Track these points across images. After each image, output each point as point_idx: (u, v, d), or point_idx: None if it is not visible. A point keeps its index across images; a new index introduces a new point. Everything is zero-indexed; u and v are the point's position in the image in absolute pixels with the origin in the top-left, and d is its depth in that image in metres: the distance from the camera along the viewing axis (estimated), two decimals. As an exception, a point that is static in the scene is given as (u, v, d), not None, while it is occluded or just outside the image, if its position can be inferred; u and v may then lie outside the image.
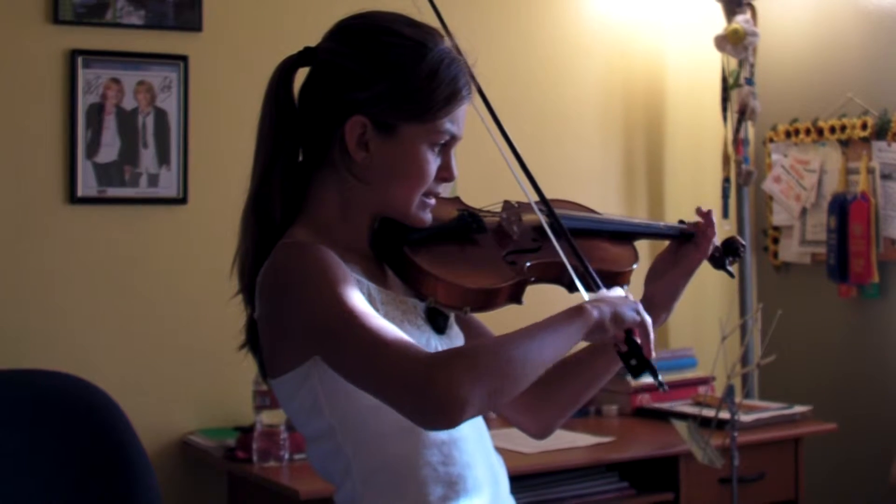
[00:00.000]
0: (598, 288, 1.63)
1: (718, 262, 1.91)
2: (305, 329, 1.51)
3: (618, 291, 1.62)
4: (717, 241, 1.89)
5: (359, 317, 1.46)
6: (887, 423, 3.67)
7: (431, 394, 1.38)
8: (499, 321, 1.81)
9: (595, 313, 1.52)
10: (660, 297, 1.81)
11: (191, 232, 3.19)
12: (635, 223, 1.91)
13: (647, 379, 1.63)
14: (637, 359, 1.56)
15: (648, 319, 1.58)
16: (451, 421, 1.41)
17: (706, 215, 1.84)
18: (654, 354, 1.57)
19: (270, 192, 1.61)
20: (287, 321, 1.53)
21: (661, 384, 1.56)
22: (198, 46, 3.21)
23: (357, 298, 1.48)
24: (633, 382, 3.53)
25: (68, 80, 3.05)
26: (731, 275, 1.95)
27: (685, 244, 1.84)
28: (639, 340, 1.57)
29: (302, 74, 1.65)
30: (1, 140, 3.00)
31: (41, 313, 3.03)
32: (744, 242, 1.94)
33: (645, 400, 3.58)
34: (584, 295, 1.62)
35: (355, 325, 1.45)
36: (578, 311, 1.52)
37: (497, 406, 1.54)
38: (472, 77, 1.63)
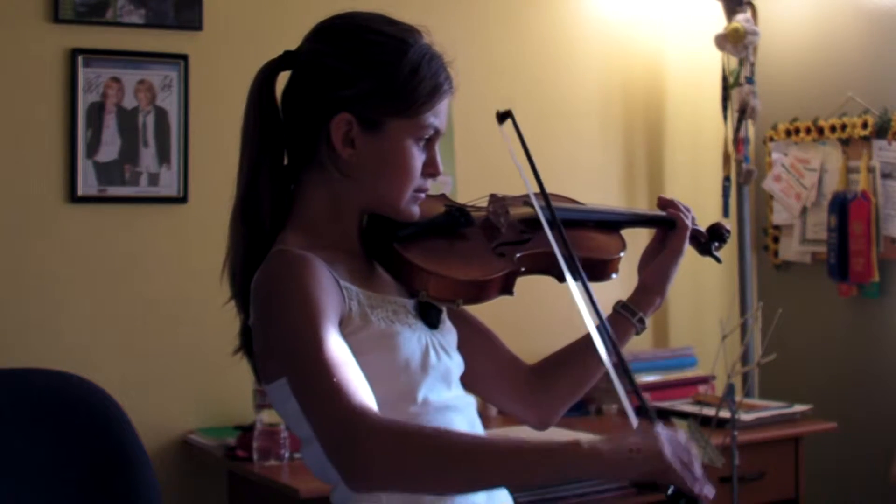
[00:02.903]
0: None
1: (705, 247, 1.96)
2: (277, 345, 1.52)
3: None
4: (702, 227, 1.94)
5: (320, 350, 1.43)
6: (887, 422, 3.67)
7: (348, 456, 1.36)
8: (493, 314, 1.82)
9: (591, 450, 1.38)
10: (652, 281, 1.85)
11: (191, 231, 3.19)
12: (621, 212, 1.95)
13: None
14: (686, 499, 1.38)
15: (689, 452, 1.38)
16: (358, 488, 1.40)
17: (670, 201, 1.88)
18: (704, 492, 1.37)
19: (258, 196, 1.62)
20: (269, 332, 1.54)
21: None
22: (198, 45, 3.21)
23: (326, 330, 1.46)
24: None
25: (69, 78, 3.05)
26: (717, 260, 1.99)
27: (669, 229, 1.88)
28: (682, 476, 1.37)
29: (282, 80, 1.67)
30: (1, 139, 3.01)
31: (41, 313, 3.03)
32: (728, 228, 1.98)
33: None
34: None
35: (313, 356, 1.43)
36: (571, 446, 1.39)
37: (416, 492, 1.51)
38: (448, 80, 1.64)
